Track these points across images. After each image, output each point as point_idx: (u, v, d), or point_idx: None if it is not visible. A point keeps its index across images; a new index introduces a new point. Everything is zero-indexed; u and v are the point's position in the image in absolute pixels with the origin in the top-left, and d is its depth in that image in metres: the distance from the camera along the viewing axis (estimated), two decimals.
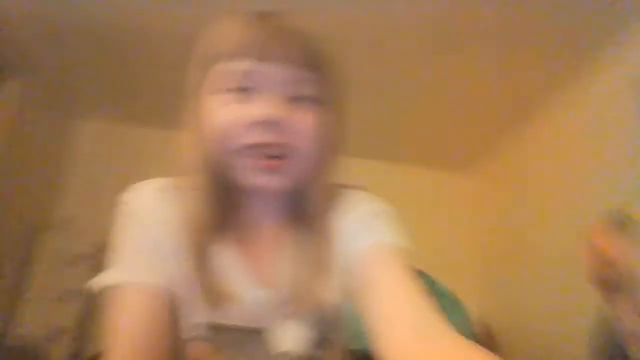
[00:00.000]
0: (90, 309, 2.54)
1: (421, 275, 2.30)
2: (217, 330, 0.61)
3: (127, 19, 2.04)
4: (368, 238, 0.61)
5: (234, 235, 0.63)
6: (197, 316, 0.61)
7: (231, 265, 0.62)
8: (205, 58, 0.60)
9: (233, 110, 0.57)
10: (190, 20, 1.95)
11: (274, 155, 0.57)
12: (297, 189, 0.63)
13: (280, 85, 0.57)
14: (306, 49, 0.58)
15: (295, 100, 0.58)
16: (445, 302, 2.00)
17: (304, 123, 0.58)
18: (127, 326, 0.56)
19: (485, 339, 2.64)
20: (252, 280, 0.62)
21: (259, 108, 0.55)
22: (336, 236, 0.63)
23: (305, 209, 0.64)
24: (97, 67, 2.46)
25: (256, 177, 0.58)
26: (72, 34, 2.16)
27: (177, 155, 0.63)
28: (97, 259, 2.58)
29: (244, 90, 0.57)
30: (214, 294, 0.59)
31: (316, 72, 0.59)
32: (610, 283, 1.30)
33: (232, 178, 0.60)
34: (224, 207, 0.62)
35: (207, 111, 0.58)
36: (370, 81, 2.34)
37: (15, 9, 2.01)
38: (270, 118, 0.55)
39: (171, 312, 0.59)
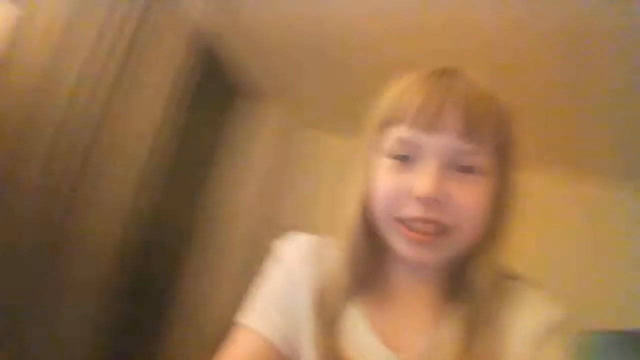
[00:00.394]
0: None
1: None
2: None
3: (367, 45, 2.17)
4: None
5: (372, 297, 0.62)
6: None
7: (360, 327, 0.60)
8: (377, 118, 0.60)
9: (393, 179, 0.56)
10: None
11: (428, 231, 0.54)
12: (458, 265, 0.59)
13: (445, 156, 0.54)
14: (478, 118, 0.54)
15: (461, 170, 0.55)
16: None
17: (465, 199, 0.54)
18: None
19: None
20: (383, 344, 0.59)
21: (418, 182, 0.53)
22: (505, 334, 0.57)
23: (466, 289, 0.58)
24: (335, 87, 2.62)
25: (407, 248, 0.56)
26: (313, 58, 2.37)
27: (340, 208, 0.64)
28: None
29: (406, 159, 0.56)
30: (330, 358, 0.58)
31: (486, 142, 0.55)
32: None
33: (385, 242, 0.59)
34: (368, 269, 0.62)
35: (373, 173, 0.59)
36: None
37: (264, 37, 2.30)
38: (428, 195, 0.52)
39: None
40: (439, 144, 0.54)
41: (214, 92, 2.42)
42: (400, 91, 0.58)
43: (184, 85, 2.03)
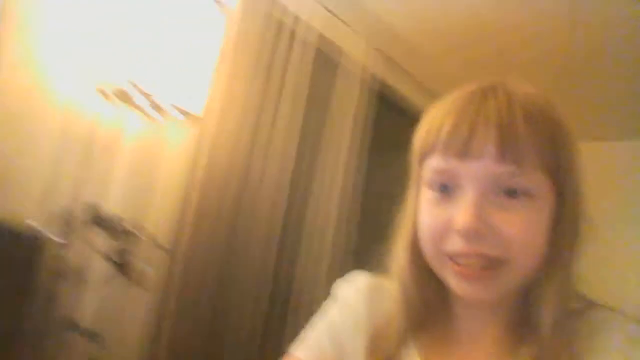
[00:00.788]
0: None
1: None
2: None
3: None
4: None
5: (432, 337, 0.58)
6: None
7: None
8: (415, 147, 0.56)
9: (434, 212, 0.52)
10: None
11: (475, 265, 0.49)
12: (523, 299, 0.54)
13: (484, 183, 0.49)
14: (516, 136, 0.48)
15: (507, 194, 0.49)
16: None
17: (512, 227, 0.48)
18: None
19: None
20: None
21: (457, 214, 0.49)
22: None
23: (532, 325, 0.52)
24: None
25: (458, 284, 0.51)
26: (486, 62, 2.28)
27: (392, 245, 0.61)
28: None
29: (446, 189, 0.51)
30: None
31: (529, 161, 0.48)
32: None
33: (437, 278, 0.55)
34: (426, 309, 0.58)
35: (418, 206, 0.56)
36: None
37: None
38: (467, 228, 0.48)
39: None
40: (474, 170, 0.49)
41: (394, 130, 2.50)
42: (433, 116, 0.54)
43: (365, 128, 2.13)
